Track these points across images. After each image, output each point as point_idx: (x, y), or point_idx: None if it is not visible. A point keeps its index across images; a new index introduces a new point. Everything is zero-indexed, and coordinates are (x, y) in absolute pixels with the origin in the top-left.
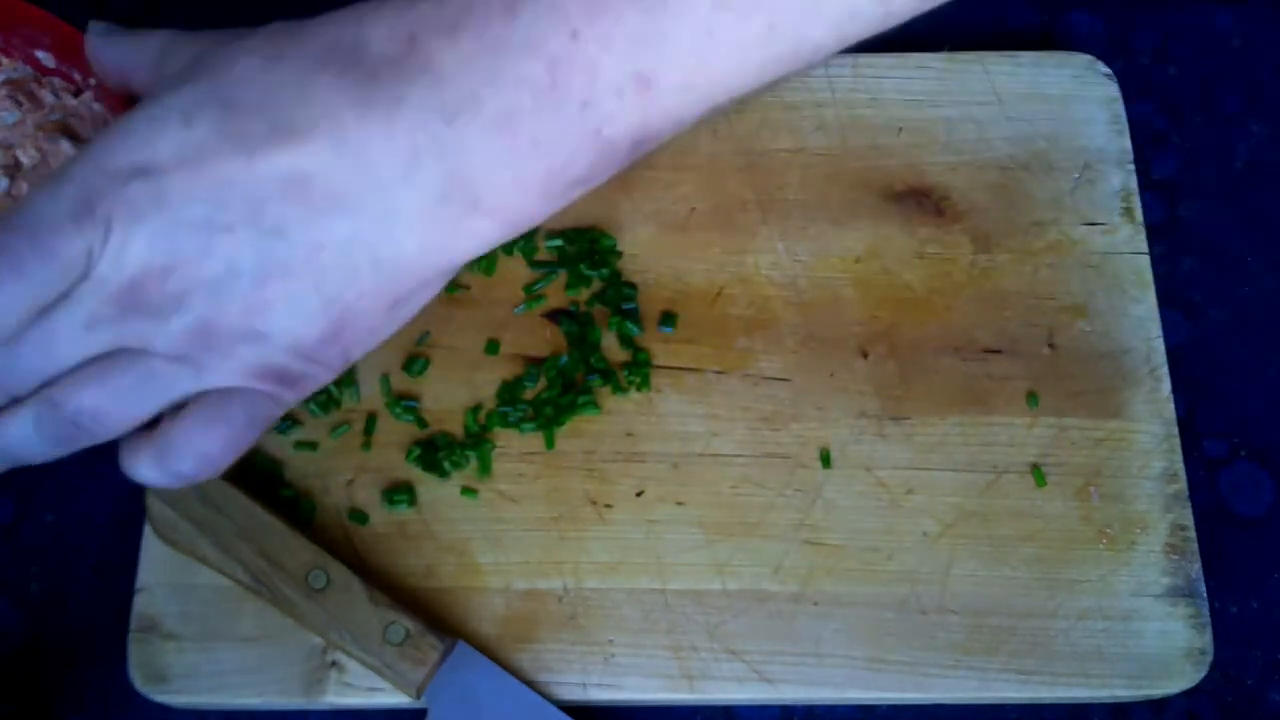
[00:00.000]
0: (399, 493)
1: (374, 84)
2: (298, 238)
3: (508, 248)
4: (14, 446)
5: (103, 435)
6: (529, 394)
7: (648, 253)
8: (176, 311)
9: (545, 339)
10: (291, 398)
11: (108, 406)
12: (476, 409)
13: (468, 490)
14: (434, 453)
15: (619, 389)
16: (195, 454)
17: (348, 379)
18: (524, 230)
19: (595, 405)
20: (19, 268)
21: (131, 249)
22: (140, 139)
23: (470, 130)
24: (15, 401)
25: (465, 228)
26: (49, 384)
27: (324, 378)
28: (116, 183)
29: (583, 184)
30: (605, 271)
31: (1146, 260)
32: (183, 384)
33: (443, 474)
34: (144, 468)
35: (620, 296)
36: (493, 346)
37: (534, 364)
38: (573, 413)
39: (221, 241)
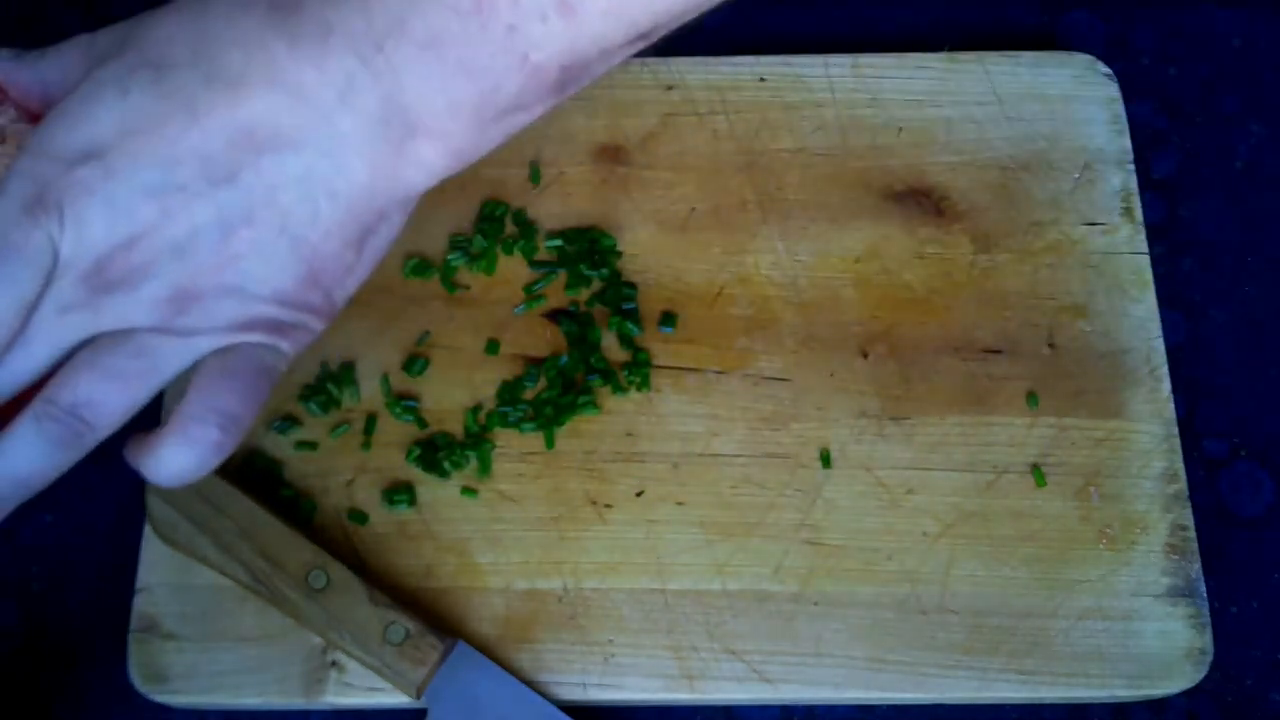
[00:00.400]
0: (399, 493)
1: (300, 17)
2: (251, 182)
3: (508, 247)
4: (21, 466)
5: (104, 425)
6: (529, 394)
7: (648, 253)
8: (147, 281)
9: (545, 339)
10: (289, 347)
11: (104, 391)
12: (476, 409)
13: (468, 490)
14: (434, 453)
15: (619, 389)
16: (218, 413)
17: (348, 378)
18: (469, 161)
19: (595, 405)
20: None
21: (89, 228)
22: (79, 118)
23: (399, 55)
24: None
25: (410, 154)
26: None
27: (315, 325)
28: (63, 166)
29: (515, 111)
30: (605, 271)
31: (1146, 260)
32: (173, 352)
33: (443, 474)
34: (169, 451)
35: (620, 296)
36: (493, 346)
37: (534, 364)
38: (573, 413)
39: (178, 202)
